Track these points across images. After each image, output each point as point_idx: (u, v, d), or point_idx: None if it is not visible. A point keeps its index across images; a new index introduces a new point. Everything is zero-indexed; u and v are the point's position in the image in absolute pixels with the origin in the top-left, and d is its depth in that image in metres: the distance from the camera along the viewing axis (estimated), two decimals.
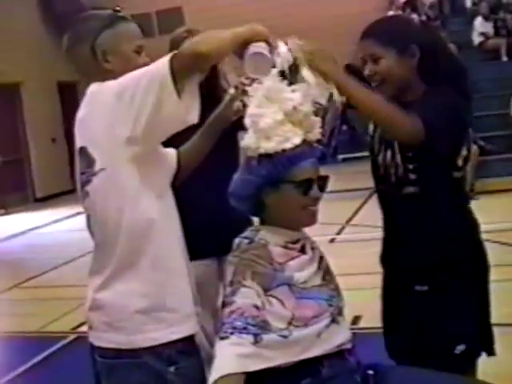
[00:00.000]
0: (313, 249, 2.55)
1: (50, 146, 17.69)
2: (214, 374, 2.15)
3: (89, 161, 2.34)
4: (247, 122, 2.47)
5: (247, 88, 2.54)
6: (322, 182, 2.50)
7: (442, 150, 2.54)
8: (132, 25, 2.51)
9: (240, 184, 2.52)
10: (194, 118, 2.27)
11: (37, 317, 6.95)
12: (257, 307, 2.27)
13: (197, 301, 2.50)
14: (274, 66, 2.46)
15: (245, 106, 2.57)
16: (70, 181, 18.03)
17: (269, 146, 2.41)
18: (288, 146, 2.41)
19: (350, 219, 9.44)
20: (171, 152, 2.66)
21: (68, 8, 18.00)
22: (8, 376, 5.38)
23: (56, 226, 12.96)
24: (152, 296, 2.34)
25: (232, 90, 2.69)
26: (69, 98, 18.67)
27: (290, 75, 2.50)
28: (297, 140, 2.43)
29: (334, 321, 2.42)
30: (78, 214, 13.68)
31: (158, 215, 2.36)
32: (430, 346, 2.63)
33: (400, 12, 17.07)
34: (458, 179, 2.69)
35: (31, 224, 13.25)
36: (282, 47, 2.52)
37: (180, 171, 2.65)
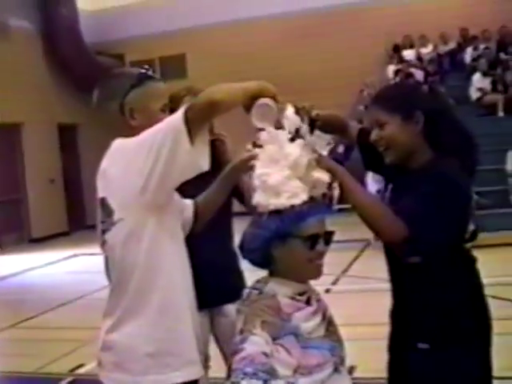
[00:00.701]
0: (318, 301, 2.64)
1: (48, 187, 17.81)
2: None
3: (108, 211, 2.48)
4: (255, 182, 2.57)
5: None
6: (328, 236, 2.59)
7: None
8: (159, 84, 2.65)
9: (250, 237, 2.61)
10: (205, 164, 2.40)
11: (34, 358, 6.96)
12: (266, 354, 2.35)
13: (201, 348, 2.59)
14: (279, 127, 2.58)
15: None
16: (66, 222, 18.15)
17: (278, 203, 2.51)
18: (296, 201, 2.51)
19: (346, 270, 9.46)
20: (188, 203, 2.78)
21: (72, 51, 18.27)
22: None
23: (52, 268, 12.98)
24: (159, 340, 2.45)
25: (249, 146, 2.80)
26: (68, 140, 18.91)
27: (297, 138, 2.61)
28: (304, 196, 2.53)
29: (336, 370, 2.51)
30: (74, 256, 13.77)
31: (170, 263, 2.49)
32: None
33: (400, 66, 17.35)
34: (466, 249, 2.78)
35: (27, 264, 13.27)
36: (290, 110, 2.64)
37: (197, 221, 2.80)
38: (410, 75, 17.02)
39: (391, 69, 17.67)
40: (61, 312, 9.01)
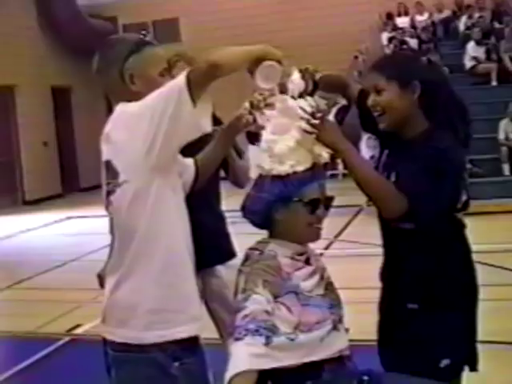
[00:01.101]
0: (316, 261, 2.74)
1: (42, 150, 17.85)
2: (229, 372, 2.32)
3: (113, 173, 2.55)
4: (263, 145, 2.65)
5: (262, 107, 2.72)
6: (328, 201, 2.69)
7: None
8: (158, 49, 2.72)
9: (253, 200, 2.70)
10: (207, 125, 2.48)
11: (32, 318, 7.05)
12: (267, 312, 2.44)
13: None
14: (283, 92, 2.66)
15: (255, 120, 2.78)
16: (60, 185, 18.18)
17: (282, 169, 2.60)
18: (299, 169, 2.60)
19: (338, 235, 9.60)
20: (189, 161, 2.87)
21: (65, 14, 18.17)
22: (1, 376, 5.48)
23: (46, 230, 13.06)
24: (162, 297, 2.53)
25: (247, 104, 2.87)
26: (62, 103, 18.89)
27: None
28: (307, 163, 2.62)
29: (335, 328, 2.61)
30: (69, 218, 13.83)
31: (174, 221, 2.57)
32: (417, 358, 2.78)
33: (394, 33, 17.34)
34: (457, 218, 2.87)
35: (21, 227, 13.34)
36: (296, 74, 2.71)
37: (198, 179, 2.88)
38: (404, 43, 17.05)
39: (385, 36, 17.68)
40: (57, 273, 9.10)
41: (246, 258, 2.68)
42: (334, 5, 18.00)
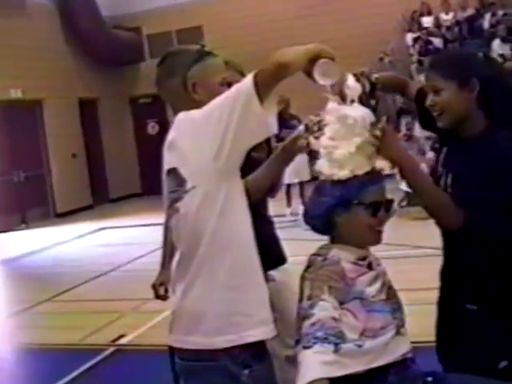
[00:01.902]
0: (378, 265, 2.73)
1: (71, 162, 17.93)
2: (301, 380, 2.33)
3: (180, 180, 2.57)
4: (322, 151, 2.65)
5: (320, 118, 2.72)
6: (389, 204, 2.69)
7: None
8: (218, 59, 2.76)
9: (314, 205, 2.71)
10: (274, 127, 2.50)
11: (74, 330, 7.08)
12: (334, 319, 2.45)
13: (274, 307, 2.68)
14: (341, 98, 2.66)
15: (309, 144, 2.77)
16: (90, 196, 18.29)
17: (341, 174, 2.60)
18: (359, 172, 2.60)
19: None
20: None
21: (89, 26, 18.28)
22: None
23: (80, 241, 13.12)
24: (231, 301, 2.53)
25: (301, 127, 2.87)
26: (89, 115, 18.99)
27: (361, 104, 2.69)
28: (368, 167, 2.62)
29: (398, 332, 2.61)
30: (101, 229, 13.89)
31: (242, 224, 2.58)
32: (475, 359, 2.76)
33: (419, 33, 17.25)
34: None
35: (55, 239, 13.40)
36: (350, 78, 2.71)
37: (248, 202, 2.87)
38: (429, 43, 16.98)
39: (410, 36, 17.61)
40: (95, 284, 9.13)
41: (309, 264, 2.68)
42: (358, 8, 17.91)
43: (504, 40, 15.59)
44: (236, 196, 2.57)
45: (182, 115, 2.60)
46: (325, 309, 2.46)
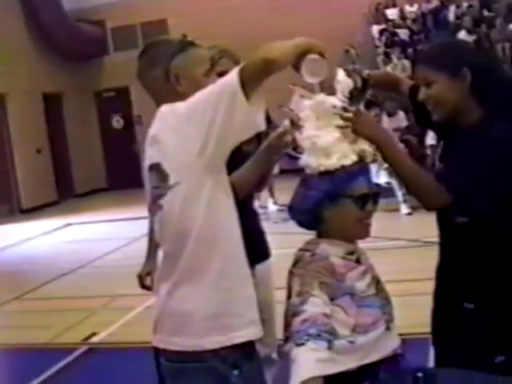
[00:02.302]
0: (365, 259, 2.67)
1: (35, 157, 17.70)
2: (295, 378, 2.25)
3: (162, 176, 2.47)
4: (305, 143, 2.58)
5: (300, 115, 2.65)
6: (376, 196, 2.62)
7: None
8: (201, 50, 2.67)
9: (300, 199, 2.63)
10: (261, 124, 2.41)
11: (45, 328, 6.96)
12: (326, 315, 2.38)
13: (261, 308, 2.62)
14: (331, 93, 2.60)
15: (294, 140, 2.69)
16: (55, 192, 18.10)
17: (329, 163, 2.53)
18: (347, 162, 2.53)
19: None
20: None
21: (52, 19, 18.10)
22: None
23: (47, 238, 12.95)
24: (220, 302, 2.45)
25: (286, 122, 2.80)
26: (53, 110, 18.80)
27: (352, 99, 2.63)
28: (354, 156, 2.55)
29: (388, 328, 2.56)
30: (68, 225, 13.75)
31: (228, 222, 2.51)
32: (471, 354, 2.73)
33: (384, 25, 17.32)
34: None
35: (21, 235, 13.23)
36: (341, 73, 2.66)
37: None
38: (395, 34, 17.04)
39: (376, 28, 17.67)
40: (64, 282, 8.99)
41: (297, 259, 2.60)
42: (323, 0, 17.93)
43: (469, 31, 15.65)
44: (222, 192, 2.49)
45: (164, 108, 2.52)
46: (316, 305, 2.39)
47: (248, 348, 2.51)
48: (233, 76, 2.29)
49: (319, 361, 2.29)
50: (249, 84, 2.28)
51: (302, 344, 2.32)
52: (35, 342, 6.61)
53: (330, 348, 2.33)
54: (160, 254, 2.60)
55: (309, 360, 2.29)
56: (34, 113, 17.90)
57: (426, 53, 2.88)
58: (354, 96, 2.63)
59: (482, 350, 2.73)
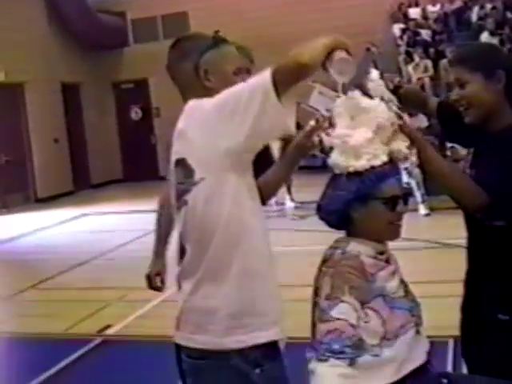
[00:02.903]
0: (394, 261, 2.63)
1: (53, 147, 17.74)
2: None
3: (188, 171, 2.45)
4: (335, 142, 2.54)
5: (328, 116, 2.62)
6: (406, 196, 2.58)
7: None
8: (233, 47, 2.65)
9: (329, 199, 2.59)
10: (292, 125, 2.38)
11: (60, 318, 6.97)
12: (353, 326, 2.35)
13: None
14: (364, 92, 2.58)
15: (321, 141, 2.65)
16: (71, 182, 18.14)
17: (358, 164, 2.49)
18: (377, 163, 2.49)
19: None
20: None
21: (74, 10, 18.11)
22: (36, 379, 5.40)
23: (62, 227, 12.97)
24: (242, 301, 2.44)
25: (313, 122, 2.76)
26: (72, 99, 18.83)
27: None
28: (385, 157, 2.51)
29: (418, 332, 2.52)
30: (83, 215, 13.76)
31: (252, 221, 2.47)
32: (506, 365, 2.69)
33: (406, 25, 17.23)
34: None
35: (36, 224, 13.24)
36: (375, 72, 2.64)
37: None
38: (417, 34, 16.95)
39: (397, 27, 17.58)
40: (79, 272, 9.00)
41: (326, 257, 2.56)
42: None
43: (492, 33, 15.57)
44: (246, 192, 2.47)
45: (192, 103, 2.50)
46: (344, 312, 2.36)
47: (271, 347, 2.48)
48: (266, 76, 2.27)
49: (342, 376, 2.28)
50: (281, 86, 2.27)
51: (325, 360, 2.31)
52: (49, 331, 6.60)
53: (351, 365, 2.31)
54: (170, 251, 2.57)
55: (331, 375, 2.28)
56: (52, 102, 17.93)
57: (461, 54, 2.86)
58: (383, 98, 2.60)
59: None
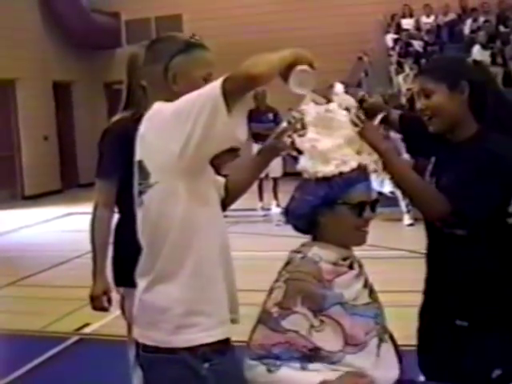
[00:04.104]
0: (359, 267, 2.65)
1: (42, 144, 17.72)
2: None
3: (145, 173, 2.49)
4: (306, 145, 2.58)
5: (303, 115, 2.65)
6: (374, 203, 2.60)
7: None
8: (206, 52, 2.63)
9: (297, 203, 2.62)
10: (242, 136, 2.41)
11: (38, 316, 6.96)
12: (303, 337, 2.40)
13: (234, 308, 2.61)
14: (328, 101, 2.62)
15: (293, 142, 2.69)
16: (59, 180, 18.11)
17: (327, 170, 2.52)
18: (345, 169, 2.52)
19: None
20: (220, 180, 2.81)
21: (68, 8, 18.14)
22: (11, 376, 5.39)
23: (47, 226, 12.95)
24: (192, 301, 2.48)
25: (285, 124, 2.79)
26: (63, 98, 18.84)
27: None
28: (354, 163, 2.54)
29: (381, 340, 2.53)
30: (69, 214, 13.73)
31: (204, 224, 2.49)
32: (467, 369, 2.72)
33: (397, 36, 17.29)
34: (510, 224, 2.76)
35: (21, 222, 13.23)
36: (339, 86, 2.70)
37: (228, 197, 2.81)
38: (409, 45, 17.01)
39: (390, 37, 17.64)
40: (60, 270, 9.00)
41: (288, 261, 2.60)
42: (338, 5, 17.94)
43: (484, 46, 15.64)
44: (197, 199, 2.48)
45: (157, 105, 2.52)
46: (295, 324, 2.41)
47: (220, 345, 2.52)
48: (216, 87, 2.28)
49: (306, 369, 2.34)
50: (231, 96, 2.28)
51: (275, 371, 2.38)
52: (27, 328, 6.60)
53: (303, 369, 2.37)
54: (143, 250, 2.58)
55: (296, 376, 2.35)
56: (43, 99, 17.93)
57: (427, 65, 2.96)
58: (348, 110, 2.63)
59: (478, 365, 2.71)
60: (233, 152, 3.13)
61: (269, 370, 2.38)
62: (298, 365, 2.36)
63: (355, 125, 2.57)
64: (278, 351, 2.38)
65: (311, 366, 2.38)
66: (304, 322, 2.40)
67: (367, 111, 2.80)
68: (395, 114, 3.10)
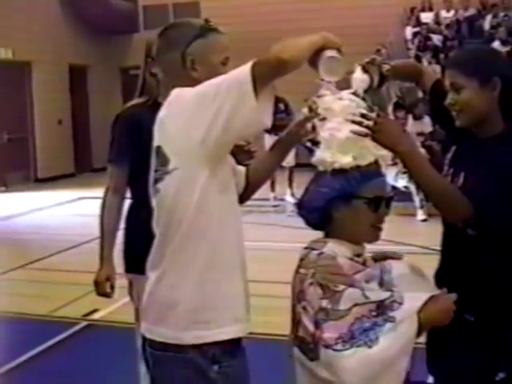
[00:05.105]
0: (372, 264, 2.58)
1: (56, 128, 17.74)
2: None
3: (163, 160, 2.42)
4: (325, 135, 2.50)
5: (323, 101, 2.57)
6: (389, 200, 2.53)
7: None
8: (222, 36, 2.57)
9: (311, 195, 2.54)
10: (268, 122, 2.33)
11: (47, 300, 6.96)
12: (364, 303, 2.32)
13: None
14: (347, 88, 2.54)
15: (314, 128, 2.61)
16: (72, 164, 18.10)
17: (344, 161, 2.44)
18: (363, 162, 2.45)
19: None
20: (240, 169, 2.72)
21: None
22: (17, 360, 5.39)
23: (59, 209, 12.97)
24: (205, 295, 2.40)
25: (305, 110, 2.72)
26: (78, 82, 18.81)
27: (366, 97, 2.57)
28: (371, 157, 2.47)
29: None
30: (81, 198, 13.72)
31: (220, 213, 2.43)
32: (471, 370, 2.66)
33: (418, 29, 17.16)
34: None
35: (33, 204, 13.23)
36: (358, 71, 2.62)
37: (249, 187, 2.71)
38: (428, 39, 16.88)
39: (409, 31, 17.53)
40: (70, 255, 8.99)
41: (302, 258, 2.51)
42: None
43: (503, 42, 15.50)
44: (217, 186, 2.43)
45: (176, 91, 2.45)
46: (350, 299, 2.31)
47: (231, 344, 2.45)
48: (245, 71, 2.23)
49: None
50: (260, 81, 2.23)
51: (375, 341, 2.27)
52: (35, 312, 6.58)
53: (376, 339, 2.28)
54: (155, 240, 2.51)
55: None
56: (58, 83, 17.93)
57: (457, 57, 2.80)
58: (366, 93, 2.57)
59: (483, 366, 2.65)
60: (248, 153, 3.08)
61: (369, 346, 2.27)
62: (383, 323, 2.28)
63: (364, 133, 2.44)
64: (355, 332, 2.27)
65: (391, 313, 2.30)
66: (355, 292, 2.33)
67: (394, 71, 2.72)
68: (431, 76, 3.00)
